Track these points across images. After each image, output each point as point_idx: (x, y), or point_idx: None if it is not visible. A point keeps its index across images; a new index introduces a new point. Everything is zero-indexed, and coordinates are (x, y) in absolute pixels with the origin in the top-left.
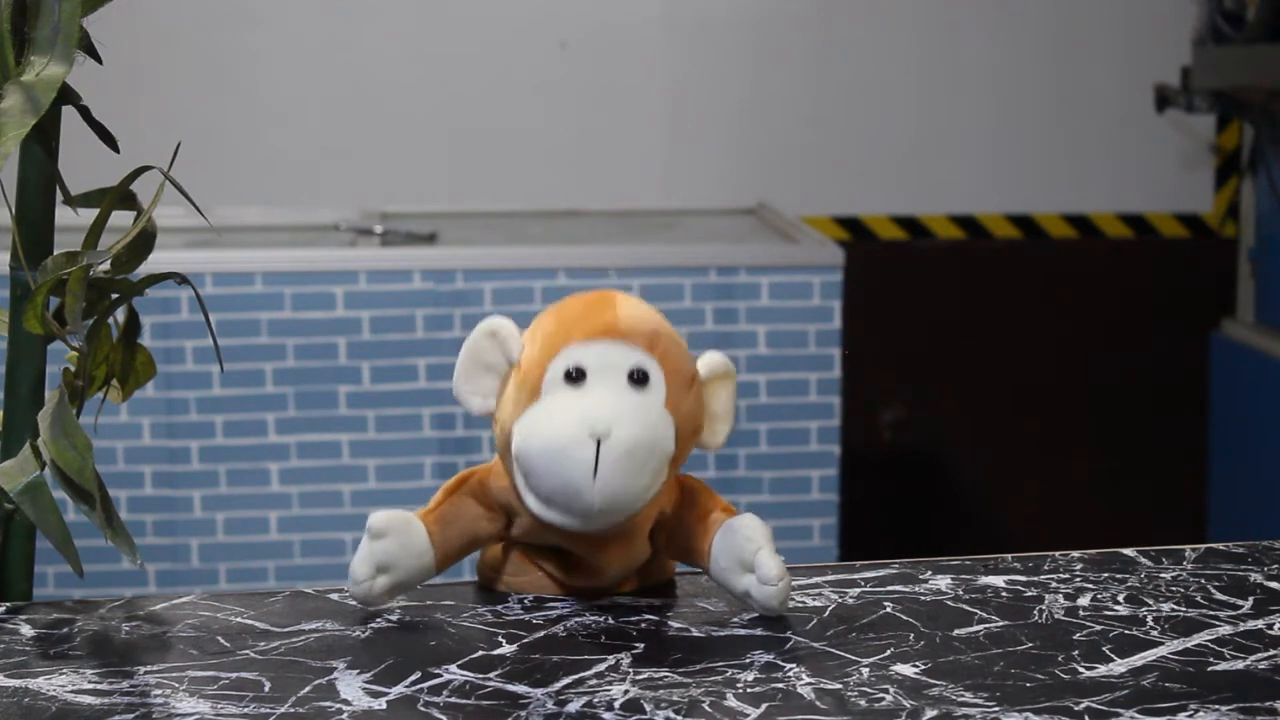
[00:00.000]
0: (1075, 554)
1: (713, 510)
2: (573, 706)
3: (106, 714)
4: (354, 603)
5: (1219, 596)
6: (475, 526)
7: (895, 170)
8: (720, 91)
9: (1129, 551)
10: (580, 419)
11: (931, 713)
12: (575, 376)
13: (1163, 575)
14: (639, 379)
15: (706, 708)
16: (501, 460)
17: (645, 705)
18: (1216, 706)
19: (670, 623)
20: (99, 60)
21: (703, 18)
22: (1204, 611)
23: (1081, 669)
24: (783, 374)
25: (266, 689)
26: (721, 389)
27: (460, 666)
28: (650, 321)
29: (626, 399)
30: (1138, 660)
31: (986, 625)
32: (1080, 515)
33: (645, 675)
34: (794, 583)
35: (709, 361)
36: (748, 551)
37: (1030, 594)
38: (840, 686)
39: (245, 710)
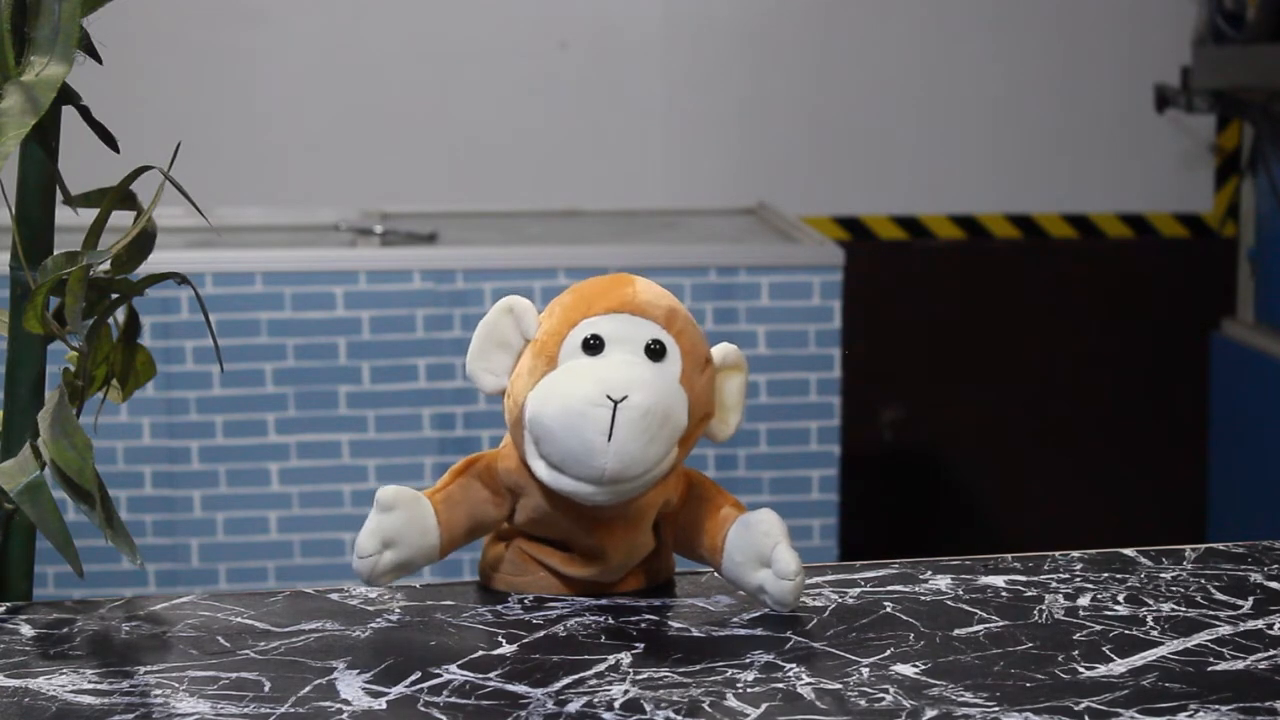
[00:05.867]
0: (1075, 554)
1: (723, 505)
2: (573, 706)
3: (106, 714)
4: (354, 602)
5: (1219, 596)
6: (481, 510)
7: (895, 170)
8: (720, 92)
9: (1129, 551)
10: (597, 382)
11: (931, 713)
12: (593, 345)
13: (1163, 575)
14: (656, 351)
15: (706, 708)
16: (511, 435)
17: (645, 705)
18: (1216, 706)
19: (670, 623)
20: (99, 60)
21: (703, 18)
22: (1204, 611)
23: (1081, 669)
24: (783, 374)
25: (266, 689)
26: (733, 380)
27: (460, 666)
28: (668, 300)
29: (643, 368)
30: (1138, 660)
31: (986, 625)
32: (1080, 515)
33: (645, 675)
34: None
35: (723, 351)
36: (765, 546)
37: (1030, 594)
38: (840, 686)
39: (245, 710)
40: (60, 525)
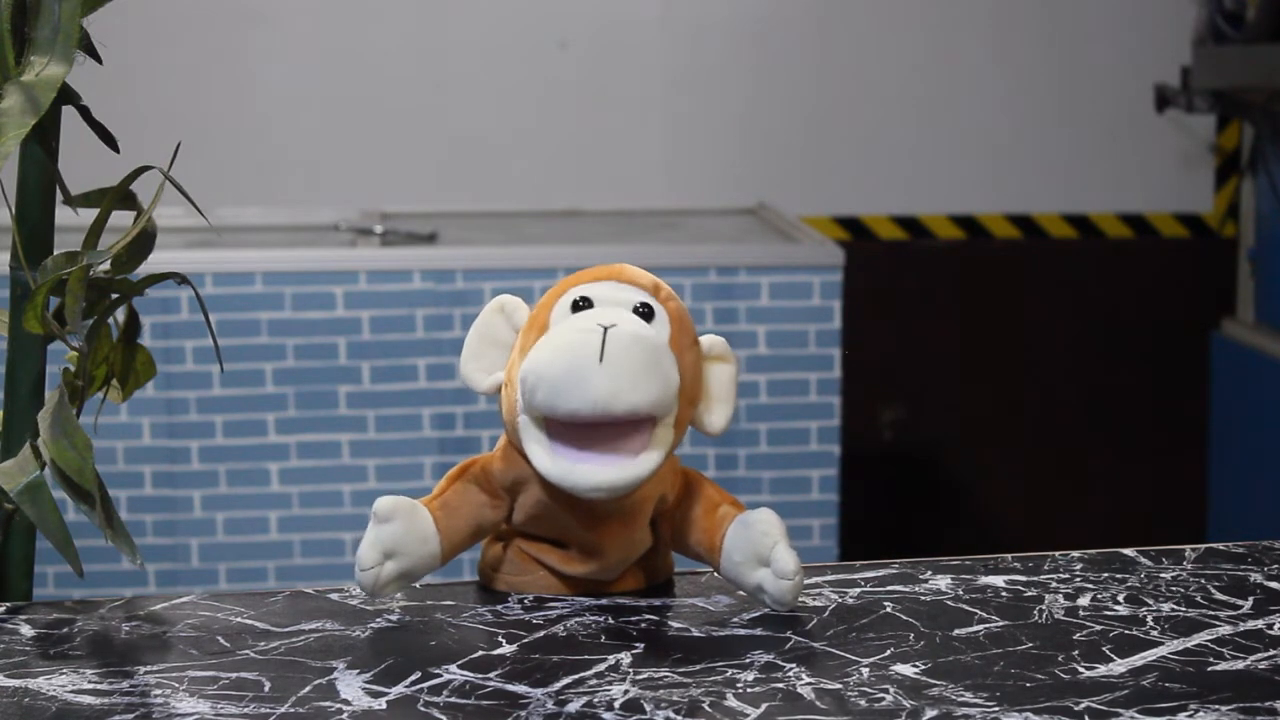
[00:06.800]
0: (1075, 554)
1: (720, 504)
2: (573, 706)
3: (106, 714)
4: (354, 602)
5: (1219, 596)
6: (479, 514)
7: (895, 170)
8: (720, 91)
9: (1129, 551)
10: (588, 319)
11: (931, 713)
12: (581, 305)
13: (1163, 575)
14: (645, 314)
15: (706, 708)
16: (507, 429)
17: (645, 705)
18: (1216, 706)
19: (670, 623)
20: (99, 60)
21: (703, 18)
22: (1204, 611)
23: (1081, 669)
24: (783, 374)
25: (266, 689)
26: (721, 370)
27: (460, 666)
28: (654, 277)
29: (633, 317)
30: (1138, 660)
31: (986, 625)
32: (1080, 515)
33: (645, 675)
34: None
35: (710, 341)
36: (764, 546)
37: (1030, 594)
38: (840, 686)
39: (245, 710)
40: (60, 525)
